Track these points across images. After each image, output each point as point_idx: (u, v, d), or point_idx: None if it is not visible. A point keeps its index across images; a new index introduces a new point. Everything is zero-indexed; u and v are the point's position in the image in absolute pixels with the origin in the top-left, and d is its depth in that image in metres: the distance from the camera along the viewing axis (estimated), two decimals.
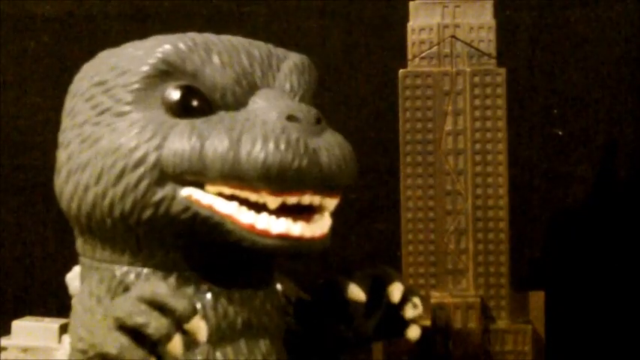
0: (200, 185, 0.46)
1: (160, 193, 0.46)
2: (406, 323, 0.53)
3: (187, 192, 0.46)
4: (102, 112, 0.48)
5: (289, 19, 0.93)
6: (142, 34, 0.97)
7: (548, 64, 0.92)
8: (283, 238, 0.45)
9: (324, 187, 0.46)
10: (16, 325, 0.70)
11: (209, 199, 0.46)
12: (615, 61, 0.91)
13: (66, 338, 0.51)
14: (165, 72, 0.47)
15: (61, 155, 0.50)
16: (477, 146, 0.71)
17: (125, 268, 0.48)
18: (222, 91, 0.47)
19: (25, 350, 0.69)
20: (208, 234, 0.46)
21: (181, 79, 0.47)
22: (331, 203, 0.48)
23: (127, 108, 0.47)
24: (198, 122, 0.46)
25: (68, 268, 0.95)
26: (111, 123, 0.47)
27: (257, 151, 0.44)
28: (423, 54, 0.72)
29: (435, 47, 0.72)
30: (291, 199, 0.45)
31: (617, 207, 0.90)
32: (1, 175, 0.97)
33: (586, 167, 0.91)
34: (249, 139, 0.44)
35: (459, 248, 0.71)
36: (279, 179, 0.44)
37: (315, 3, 0.94)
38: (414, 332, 0.53)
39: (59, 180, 0.50)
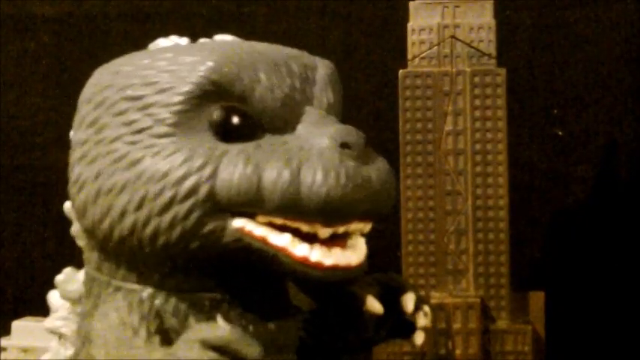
0: (250, 215, 0.44)
1: (210, 225, 0.43)
2: (414, 329, 0.53)
3: (239, 223, 0.44)
4: (139, 131, 0.45)
5: (289, 19, 0.93)
6: (142, 34, 0.97)
7: (548, 64, 0.92)
8: (334, 268, 0.44)
9: (373, 215, 0.45)
10: (16, 325, 0.70)
11: (262, 231, 0.44)
12: (615, 61, 0.91)
13: (53, 343, 0.51)
14: (212, 92, 0.44)
15: (84, 170, 0.46)
16: (477, 146, 0.71)
17: (151, 291, 0.45)
18: (271, 114, 0.44)
19: (25, 350, 0.69)
20: (258, 265, 0.45)
21: (229, 100, 0.44)
22: (368, 226, 0.47)
23: (170, 130, 0.44)
24: (251, 149, 0.44)
25: None
26: (151, 145, 0.44)
27: (319, 185, 0.42)
28: (423, 54, 0.72)
29: (435, 47, 0.72)
30: (342, 229, 0.44)
31: (617, 207, 0.90)
32: (1, 175, 0.97)
33: (586, 167, 0.91)
34: (309, 171, 0.43)
35: (459, 248, 0.71)
36: (337, 212, 0.43)
37: (315, 3, 0.94)
38: (420, 338, 0.53)
39: (83, 195, 0.46)
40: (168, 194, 0.43)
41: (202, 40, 0.50)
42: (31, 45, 0.97)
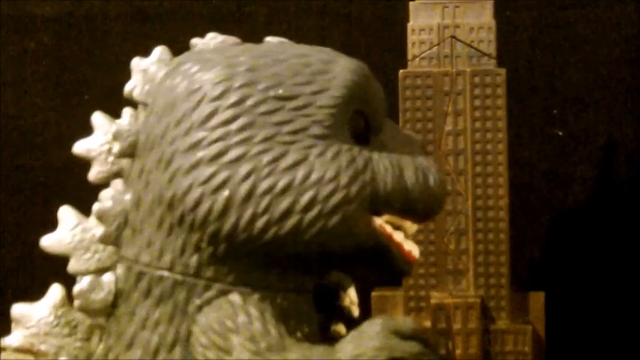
0: (378, 214, 0.46)
1: (361, 224, 0.45)
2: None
3: (378, 222, 0.46)
4: (296, 132, 0.44)
5: (289, 19, 0.93)
6: (142, 34, 0.98)
7: (548, 64, 0.92)
8: (415, 261, 0.49)
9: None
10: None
11: (389, 228, 0.47)
12: (615, 61, 0.91)
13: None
14: (356, 96, 0.46)
15: (223, 169, 0.44)
16: (477, 146, 0.71)
17: (268, 292, 0.45)
18: (378, 117, 0.48)
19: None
20: (375, 261, 0.47)
21: (361, 104, 0.47)
22: None
23: (327, 131, 0.45)
24: (380, 151, 0.47)
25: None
26: (311, 146, 0.44)
27: (437, 186, 0.47)
28: (423, 54, 0.72)
29: (435, 48, 0.72)
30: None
31: (617, 207, 0.90)
32: (1, 175, 0.97)
33: (586, 167, 0.91)
34: (430, 175, 0.47)
35: (459, 248, 0.71)
36: (437, 211, 0.49)
37: (315, 3, 0.94)
38: (341, 329, 0.54)
39: (223, 196, 0.44)
40: (338, 196, 0.44)
41: (275, 39, 0.51)
42: (31, 45, 0.97)
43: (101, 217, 0.47)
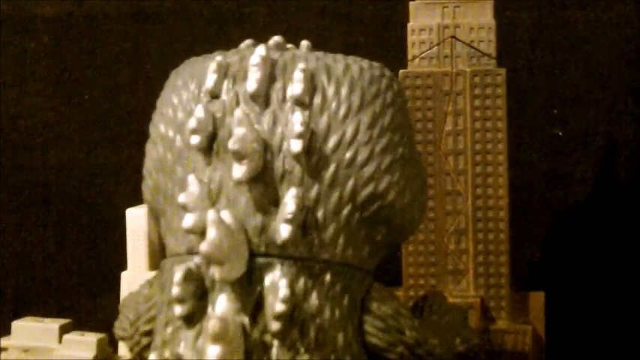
0: None
1: None
2: None
3: None
4: (413, 134, 0.53)
5: (289, 19, 0.93)
6: (142, 34, 0.97)
7: (548, 64, 0.92)
8: None
9: None
10: (16, 325, 0.70)
11: None
12: (615, 61, 0.91)
13: None
14: None
15: (403, 172, 0.50)
16: (477, 146, 0.71)
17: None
18: None
19: (25, 350, 0.69)
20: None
21: None
22: None
23: None
24: None
25: (68, 268, 0.95)
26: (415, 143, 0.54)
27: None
28: (423, 54, 0.72)
29: (435, 47, 0.72)
30: None
31: (617, 207, 0.90)
32: (1, 175, 0.97)
33: (586, 167, 0.91)
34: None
35: (458, 248, 0.71)
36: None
37: (315, 3, 0.94)
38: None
39: (409, 194, 0.51)
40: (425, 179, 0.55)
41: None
42: (31, 45, 0.97)
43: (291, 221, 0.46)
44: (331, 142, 0.48)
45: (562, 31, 0.91)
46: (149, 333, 0.49)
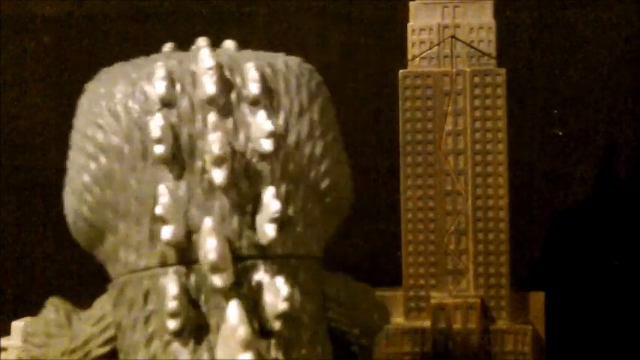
0: None
1: None
2: None
3: None
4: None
5: (289, 19, 0.93)
6: (142, 34, 0.97)
7: (548, 64, 0.92)
8: None
9: None
10: (16, 325, 0.70)
11: None
12: (615, 61, 0.91)
13: None
14: None
15: (343, 163, 0.52)
16: (477, 146, 0.71)
17: None
18: None
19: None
20: None
21: None
22: None
23: None
24: None
25: (68, 268, 0.95)
26: None
27: None
28: (423, 54, 0.72)
29: (435, 47, 0.72)
30: None
31: (617, 207, 0.90)
32: (1, 175, 0.97)
33: (586, 167, 0.91)
34: None
35: (458, 248, 0.71)
36: None
37: (315, 3, 0.94)
38: None
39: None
40: None
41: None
42: (31, 45, 0.97)
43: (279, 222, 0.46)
44: (291, 139, 0.48)
45: (562, 31, 0.91)
46: (106, 356, 0.48)
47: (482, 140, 0.71)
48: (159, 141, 0.45)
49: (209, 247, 0.43)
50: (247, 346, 0.42)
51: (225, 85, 0.47)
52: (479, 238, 0.71)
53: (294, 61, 0.50)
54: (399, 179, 0.71)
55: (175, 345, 0.45)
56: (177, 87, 0.47)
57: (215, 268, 0.43)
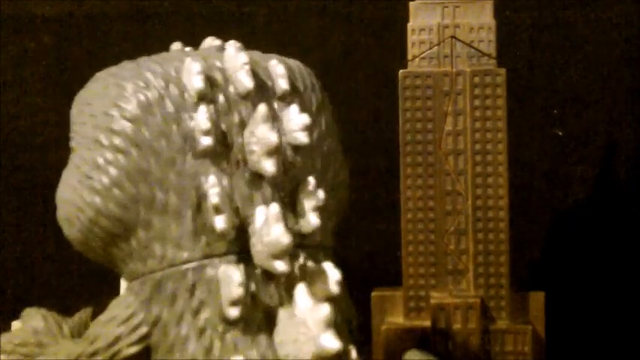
0: None
1: None
2: None
3: None
4: None
5: (289, 19, 0.93)
6: (142, 34, 0.97)
7: (548, 64, 0.92)
8: None
9: None
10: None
11: None
12: (615, 61, 0.91)
13: None
14: None
15: (345, 159, 0.54)
16: (477, 146, 0.71)
17: None
18: None
19: None
20: None
21: None
22: None
23: None
24: None
25: (68, 268, 0.95)
26: None
27: None
28: (423, 54, 0.72)
29: (435, 48, 0.72)
30: None
31: (617, 207, 0.90)
32: (1, 175, 0.97)
33: (586, 167, 0.91)
34: None
35: (458, 248, 0.71)
36: None
37: (315, 3, 0.94)
38: None
39: None
40: None
41: None
42: (31, 45, 0.97)
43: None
44: (315, 134, 0.49)
45: (562, 31, 0.91)
46: (135, 355, 0.47)
47: (482, 140, 0.71)
48: (207, 133, 0.46)
49: (276, 232, 0.44)
50: (330, 325, 0.43)
51: (257, 80, 0.48)
52: (479, 238, 0.71)
53: (296, 61, 0.52)
54: (399, 179, 0.71)
55: (234, 333, 0.45)
56: (211, 82, 0.48)
57: (281, 254, 0.44)
